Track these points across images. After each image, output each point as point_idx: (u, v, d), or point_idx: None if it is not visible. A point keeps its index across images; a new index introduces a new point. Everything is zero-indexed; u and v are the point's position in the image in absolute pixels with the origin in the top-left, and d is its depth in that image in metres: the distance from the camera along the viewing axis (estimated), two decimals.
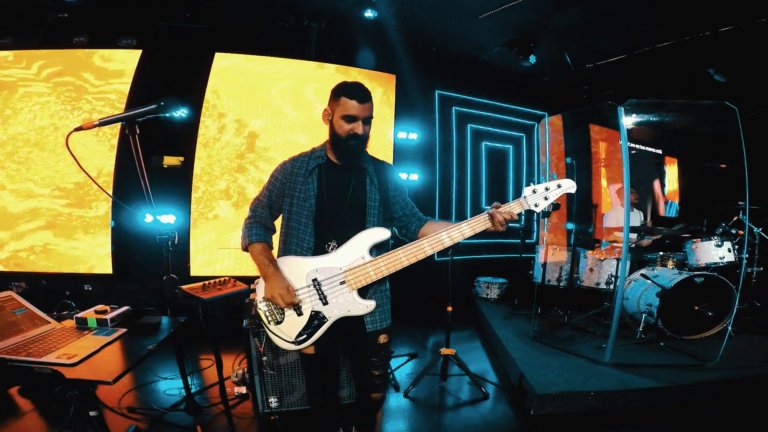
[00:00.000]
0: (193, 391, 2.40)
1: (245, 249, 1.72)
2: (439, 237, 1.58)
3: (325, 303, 1.61)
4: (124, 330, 1.73)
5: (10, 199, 3.89)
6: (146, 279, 4.10)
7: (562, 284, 4.33)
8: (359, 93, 1.59)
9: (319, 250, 1.66)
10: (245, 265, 4.26)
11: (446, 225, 1.62)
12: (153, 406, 2.55)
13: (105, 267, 4.03)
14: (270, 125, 4.43)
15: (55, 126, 3.96)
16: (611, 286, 3.97)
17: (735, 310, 3.45)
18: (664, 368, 3.02)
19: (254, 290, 2.47)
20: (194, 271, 4.16)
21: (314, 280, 1.62)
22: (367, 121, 1.62)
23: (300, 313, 1.63)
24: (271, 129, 4.44)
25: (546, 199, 1.59)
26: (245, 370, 2.74)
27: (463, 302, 5.16)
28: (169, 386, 2.82)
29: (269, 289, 1.60)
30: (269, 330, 1.65)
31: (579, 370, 3.01)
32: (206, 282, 2.46)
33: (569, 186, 1.59)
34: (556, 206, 1.56)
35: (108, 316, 1.78)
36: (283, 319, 1.64)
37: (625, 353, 3.25)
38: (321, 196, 1.67)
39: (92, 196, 3.99)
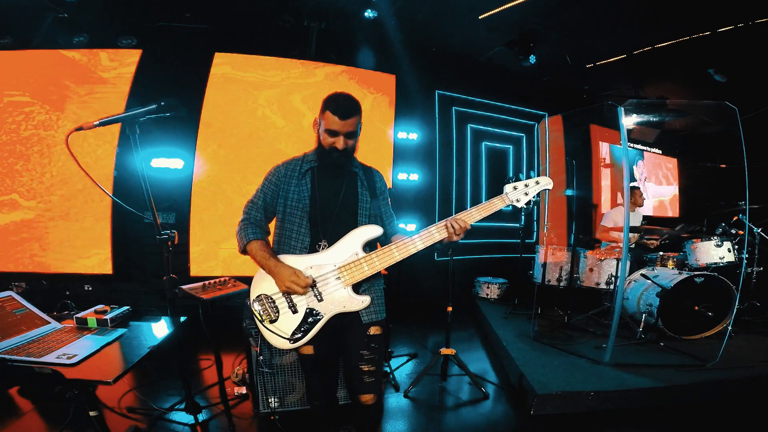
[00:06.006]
0: (193, 391, 2.40)
1: (243, 250, 1.73)
2: (430, 232, 1.63)
3: (320, 300, 1.63)
4: (124, 330, 1.73)
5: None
6: (146, 279, 4.10)
7: (562, 284, 4.33)
8: (342, 109, 1.61)
9: (312, 250, 1.70)
10: (245, 265, 4.27)
11: (413, 236, 1.66)
12: (153, 406, 2.55)
13: (105, 267, 4.04)
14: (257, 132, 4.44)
15: (40, 136, 3.92)
16: (611, 286, 3.97)
17: (735, 310, 3.45)
18: (664, 368, 3.02)
19: None
20: (194, 271, 4.17)
21: (309, 277, 1.63)
22: (350, 135, 1.66)
23: (295, 311, 1.63)
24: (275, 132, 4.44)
25: (526, 194, 1.70)
26: (245, 370, 2.74)
27: (463, 302, 5.16)
28: (169, 386, 2.82)
29: (279, 281, 1.60)
30: (264, 328, 1.64)
31: (579, 370, 3.01)
32: (206, 282, 2.46)
33: (546, 183, 1.72)
34: (536, 202, 1.72)
35: (108, 316, 1.78)
36: (278, 317, 1.64)
37: (625, 353, 3.25)
38: (314, 198, 1.71)
39: (78, 208, 3.95)
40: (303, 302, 1.63)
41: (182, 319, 1.94)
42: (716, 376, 2.93)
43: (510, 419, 2.70)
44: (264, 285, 1.66)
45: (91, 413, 1.48)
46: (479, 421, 2.65)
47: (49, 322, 1.74)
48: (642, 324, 3.62)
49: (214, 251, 4.24)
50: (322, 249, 1.68)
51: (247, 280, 2.60)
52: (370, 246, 1.70)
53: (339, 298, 1.62)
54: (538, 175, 1.77)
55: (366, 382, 1.71)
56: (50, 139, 3.93)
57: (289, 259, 1.66)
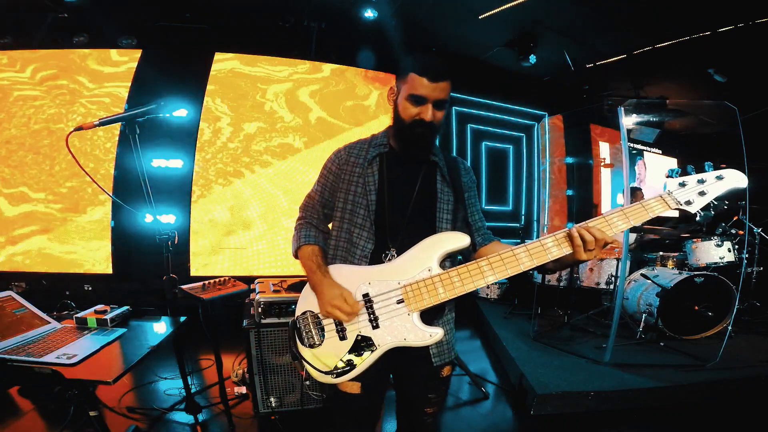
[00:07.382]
0: (193, 391, 2.40)
1: (295, 255, 1.42)
2: (544, 245, 1.19)
3: (376, 326, 1.24)
4: (124, 330, 1.74)
5: (4, 204, 3.88)
6: (146, 279, 4.10)
7: (562, 284, 4.33)
8: (432, 69, 1.24)
9: (376, 259, 1.32)
10: (244, 265, 4.27)
11: (513, 248, 1.24)
12: (153, 406, 2.55)
13: (105, 267, 4.04)
14: (266, 128, 4.44)
15: (50, 130, 3.94)
16: (611, 286, 3.97)
17: (735, 310, 3.45)
18: (664, 368, 3.02)
19: (254, 290, 2.49)
20: (194, 271, 4.17)
21: (365, 295, 1.26)
22: (440, 105, 1.27)
23: (343, 337, 1.26)
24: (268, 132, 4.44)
25: (702, 194, 1.19)
26: (245, 370, 2.74)
27: (463, 302, 5.16)
28: (169, 386, 2.82)
29: (321, 302, 1.26)
30: (301, 355, 1.31)
31: (579, 370, 3.01)
32: (206, 282, 2.46)
33: (736, 179, 1.20)
34: (716, 207, 1.14)
35: (108, 316, 1.78)
36: (322, 342, 1.28)
37: (625, 353, 3.25)
38: (382, 193, 1.34)
39: (87, 200, 3.97)
40: (354, 327, 1.26)
41: (182, 319, 1.94)
42: (716, 376, 2.93)
43: (510, 419, 2.70)
44: (312, 300, 1.32)
45: (91, 413, 1.48)
46: (479, 421, 2.65)
47: (49, 322, 1.74)
48: (642, 324, 3.62)
49: (214, 252, 4.24)
50: (389, 260, 1.30)
51: (247, 280, 2.62)
52: (450, 260, 1.33)
53: (400, 328, 1.23)
54: (712, 170, 1.22)
55: (427, 423, 1.42)
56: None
57: (343, 270, 1.32)
